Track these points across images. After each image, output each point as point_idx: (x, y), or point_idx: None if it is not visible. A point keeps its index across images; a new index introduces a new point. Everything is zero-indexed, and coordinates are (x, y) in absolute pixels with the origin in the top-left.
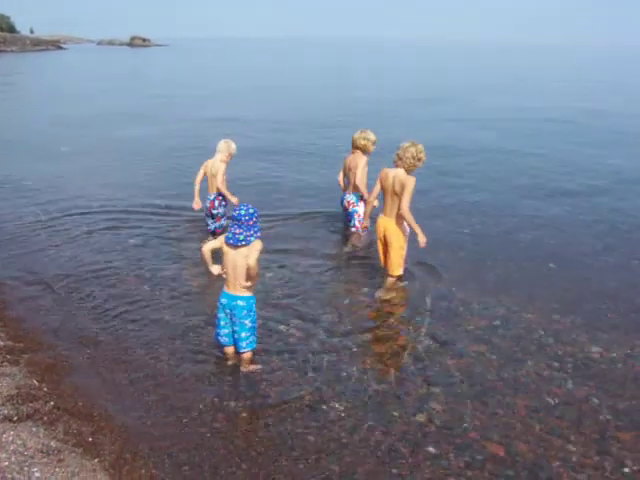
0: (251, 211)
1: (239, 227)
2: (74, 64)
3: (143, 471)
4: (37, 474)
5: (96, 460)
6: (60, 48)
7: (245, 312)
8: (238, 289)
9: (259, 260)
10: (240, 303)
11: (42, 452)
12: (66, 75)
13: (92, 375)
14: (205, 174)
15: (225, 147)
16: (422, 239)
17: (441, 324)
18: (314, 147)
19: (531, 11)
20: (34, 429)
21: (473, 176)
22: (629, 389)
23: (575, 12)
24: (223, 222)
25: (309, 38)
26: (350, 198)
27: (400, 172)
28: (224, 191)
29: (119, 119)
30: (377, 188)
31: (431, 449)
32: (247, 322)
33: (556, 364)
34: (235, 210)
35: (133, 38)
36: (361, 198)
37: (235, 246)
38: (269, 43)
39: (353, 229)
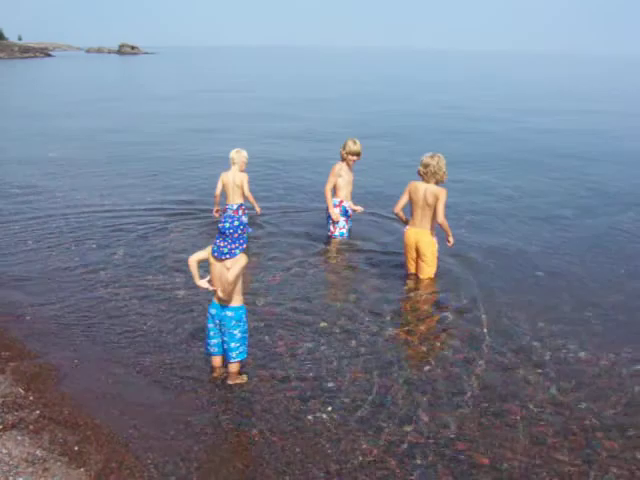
0: (236, 224)
1: (224, 240)
2: (51, 73)
3: None
4: None
5: (82, 469)
6: (48, 55)
7: (234, 322)
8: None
9: (239, 276)
10: (229, 314)
11: (27, 461)
12: (45, 83)
13: (78, 384)
14: (223, 185)
15: (238, 157)
16: (452, 240)
17: (428, 332)
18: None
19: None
20: (19, 438)
21: (467, 184)
22: (615, 396)
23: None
24: (249, 230)
25: (300, 47)
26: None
27: (431, 185)
28: (252, 200)
29: (103, 127)
30: (404, 200)
31: (418, 460)
32: (236, 332)
33: (543, 371)
34: (221, 222)
35: (122, 46)
36: (338, 204)
37: (220, 259)
38: (258, 51)
39: (328, 233)
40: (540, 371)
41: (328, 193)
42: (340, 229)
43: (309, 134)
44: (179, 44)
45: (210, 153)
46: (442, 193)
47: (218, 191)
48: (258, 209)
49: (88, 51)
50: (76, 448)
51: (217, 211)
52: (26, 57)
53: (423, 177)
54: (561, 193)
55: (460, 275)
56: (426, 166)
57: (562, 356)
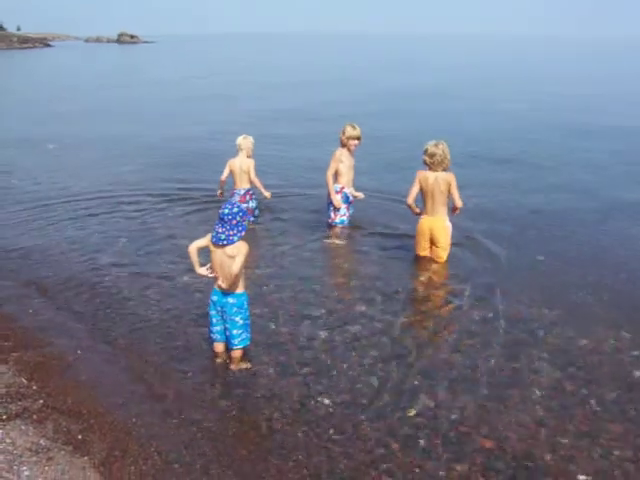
0: (235, 210)
1: (222, 226)
2: (51, 62)
3: (133, 468)
4: (27, 473)
5: (86, 458)
6: (47, 46)
7: (236, 309)
8: (228, 287)
9: (243, 266)
10: (230, 300)
11: (31, 451)
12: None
13: (81, 373)
14: (231, 171)
15: (245, 143)
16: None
17: (430, 317)
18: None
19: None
20: (23, 427)
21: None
22: (617, 379)
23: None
24: (251, 218)
25: (300, 34)
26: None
27: (440, 173)
28: (259, 185)
29: (101, 116)
30: (416, 190)
31: (421, 443)
32: (238, 319)
33: (545, 356)
34: (221, 208)
35: (121, 35)
36: (339, 190)
37: (218, 245)
38: (258, 38)
39: (329, 220)
40: (542, 356)
41: (330, 179)
42: (341, 216)
43: (300, 114)
44: (179, 32)
45: (208, 137)
46: (452, 178)
47: (224, 176)
48: (267, 194)
49: (87, 41)
50: (80, 437)
51: (221, 194)
52: (25, 47)
53: (430, 167)
54: (560, 174)
55: (463, 260)
56: (432, 156)
57: (565, 341)
